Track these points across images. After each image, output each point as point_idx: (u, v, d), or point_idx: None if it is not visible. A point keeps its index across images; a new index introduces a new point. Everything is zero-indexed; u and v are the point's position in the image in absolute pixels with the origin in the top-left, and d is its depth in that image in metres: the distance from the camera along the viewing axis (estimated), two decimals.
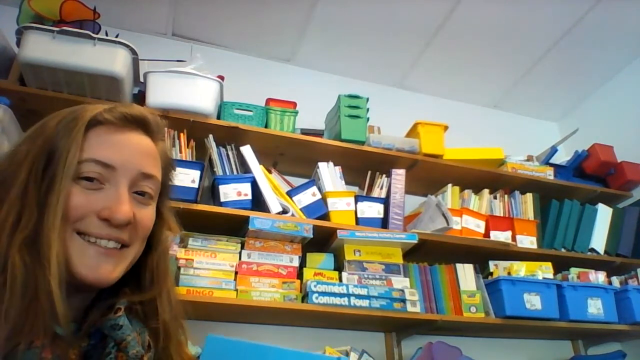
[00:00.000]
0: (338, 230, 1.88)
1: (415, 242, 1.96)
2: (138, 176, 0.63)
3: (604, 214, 2.43)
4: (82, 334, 0.59)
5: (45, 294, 0.53)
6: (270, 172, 2.00)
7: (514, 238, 2.19)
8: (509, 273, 2.05)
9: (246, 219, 1.76)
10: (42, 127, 0.62)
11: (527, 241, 2.23)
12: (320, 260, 1.91)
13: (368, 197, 2.10)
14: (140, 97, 1.97)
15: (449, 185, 2.28)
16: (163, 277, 0.68)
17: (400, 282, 1.90)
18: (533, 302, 1.98)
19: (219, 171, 1.87)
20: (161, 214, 0.70)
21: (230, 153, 1.95)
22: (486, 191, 2.33)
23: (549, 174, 2.44)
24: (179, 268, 1.68)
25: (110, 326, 0.59)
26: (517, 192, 2.39)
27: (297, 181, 2.10)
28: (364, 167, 2.19)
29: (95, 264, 0.58)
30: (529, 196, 2.39)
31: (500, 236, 2.17)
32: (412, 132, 2.32)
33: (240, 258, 1.78)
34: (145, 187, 0.64)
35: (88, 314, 0.61)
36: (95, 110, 0.63)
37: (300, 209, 1.94)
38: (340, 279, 1.86)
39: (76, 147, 0.59)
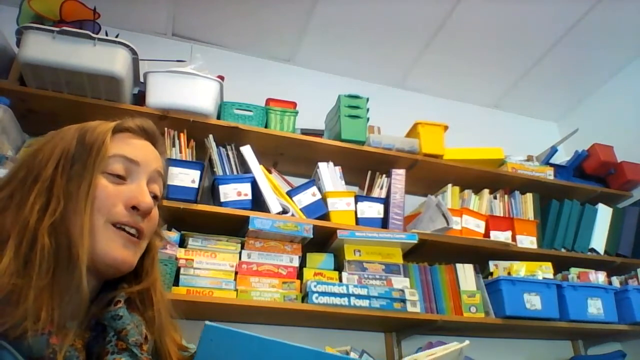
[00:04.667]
0: (338, 230, 1.88)
1: (415, 242, 1.96)
2: (154, 173, 0.72)
3: (604, 214, 2.43)
4: (84, 327, 0.63)
5: (73, 272, 0.59)
6: (270, 172, 2.00)
7: (514, 238, 2.19)
8: (509, 273, 2.05)
9: (246, 219, 1.76)
10: (64, 131, 0.70)
11: (527, 241, 2.23)
12: (320, 260, 1.91)
13: (368, 197, 2.10)
14: (140, 97, 1.97)
15: (449, 185, 2.28)
16: (156, 270, 0.75)
17: (400, 282, 1.90)
18: (533, 302, 1.98)
19: (219, 171, 1.88)
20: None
21: (230, 153, 1.95)
22: (486, 191, 2.34)
23: (549, 174, 2.44)
24: (179, 268, 1.68)
25: (111, 317, 0.63)
26: (517, 192, 2.39)
27: (297, 181, 2.10)
28: (364, 167, 2.19)
29: (123, 248, 0.65)
30: (529, 196, 2.39)
31: (500, 236, 2.17)
32: (412, 132, 2.32)
33: (240, 258, 1.78)
34: (155, 188, 0.73)
35: (89, 310, 0.65)
36: (118, 121, 0.73)
37: (300, 209, 1.94)
38: (340, 279, 1.86)
39: (106, 144, 0.67)
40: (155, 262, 0.76)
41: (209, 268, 1.72)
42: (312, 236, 1.83)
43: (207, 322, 0.51)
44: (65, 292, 0.58)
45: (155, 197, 0.72)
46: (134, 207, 0.67)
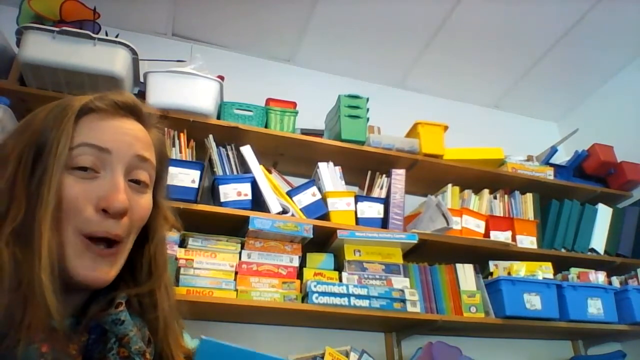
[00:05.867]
0: (338, 230, 1.88)
1: (415, 242, 1.96)
2: (133, 160, 0.61)
3: (604, 214, 2.43)
4: (81, 329, 0.58)
5: (35, 286, 0.51)
6: (270, 172, 2.00)
7: (514, 238, 2.19)
8: (509, 273, 2.05)
9: (246, 219, 1.76)
10: (29, 120, 0.61)
11: (527, 241, 2.22)
12: (320, 260, 1.91)
13: (368, 197, 2.10)
14: (140, 97, 1.97)
15: (449, 185, 2.28)
16: (162, 269, 0.66)
17: (400, 282, 1.90)
18: (533, 302, 1.98)
19: (219, 171, 1.87)
20: (157, 203, 0.67)
21: (230, 153, 1.95)
22: (486, 191, 2.33)
23: (549, 174, 2.44)
24: (179, 268, 1.68)
25: (112, 321, 0.58)
26: (517, 192, 2.39)
27: (297, 181, 2.10)
28: (364, 167, 2.19)
29: (92, 266, 0.57)
30: (529, 196, 2.38)
31: (500, 236, 2.17)
32: (412, 132, 2.32)
33: (240, 258, 1.78)
34: (140, 174, 0.62)
35: (87, 308, 0.60)
36: (85, 99, 0.61)
37: (300, 209, 1.94)
38: (340, 279, 1.86)
39: (67, 134, 0.57)
40: (160, 252, 0.67)
41: (209, 268, 1.72)
42: (312, 236, 1.83)
43: (203, 337, 0.50)
44: (40, 305, 0.51)
45: (140, 183, 0.62)
46: (104, 210, 0.57)
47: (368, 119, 2.24)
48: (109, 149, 0.59)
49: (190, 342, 0.71)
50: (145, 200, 0.63)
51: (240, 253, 1.78)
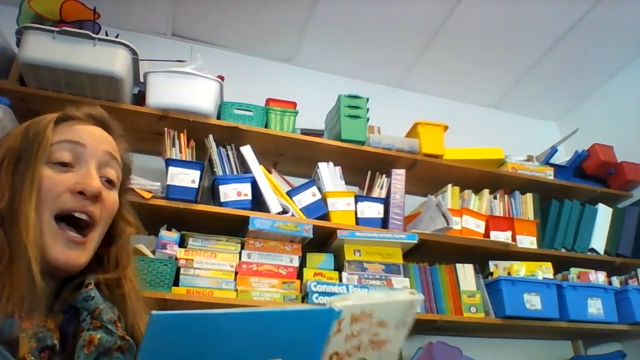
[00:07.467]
0: (338, 231, 1.88)
1: (415, 242, 1.96)
2: (104, 156, 0.70)
3: (604, 214, 2.43)
4: (56, 309, 0.64)
5: (22, 257, 0.58)
6: (270, 172, 2.00)
7: (514, 238, 2.19)
8: (509, 273, 2.05)
9: (246, 219, 1.76)
10: (12, 130, 0.70)
11: (527, 241, 2.22)
12: (320, 261, 1.91)
13: (368, 197, 2.10)
14: (140, 97, 1.97)
15: (449, 185, 2.28)
16: (127, 262, 0.73)
17: (400, 282, 1.90)
18: (533, 302, 1.98)
19: (219, 171, 1.87)
20: (120, 208, 0.74)
21: (230, 153, 1.95)
22: (486, 191, 2.33)
23: (549, 174, 2.44)
24: (179, 268, 1.68)
25: (83, 299, 0.64)
26: (517, 192, 2.39)
27: (297, 181, 2.10)
28: (364, 167, 2.19)
29: (65, 250, 0.64)
30: (529, 196, 2.38)
31: (500, 236, 2.17)
32: (412, 132, 2.32)
33: (240, 258, 1.77)
34: (109, 171, 0.70)
35: (60, 295, 0.66)
36: (63, 111, 0.71)
37: (300, 209, 1.94)
38: (340, 279, 1.86)
39: (48, 135, 0.66)
40: (126, 252, 0.74)
41: (209, 268, 1.72)
42: (312, 236, 1.83)
43: (153, 313, 0.46)
44: (24, 278, 0.58)
45: (109, 182, 0.70)
46: (80, 193, 0.65)
47: (368, 119, 2.24)
48: (83, 143, 0.68)
49: None
50: (113, 196, 0.71)
51: (240, 253, 1.78)
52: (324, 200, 2.01)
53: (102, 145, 0.70)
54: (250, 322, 0.45)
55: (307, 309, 0.47)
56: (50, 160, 0.65)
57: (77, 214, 0.65)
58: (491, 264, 2.12)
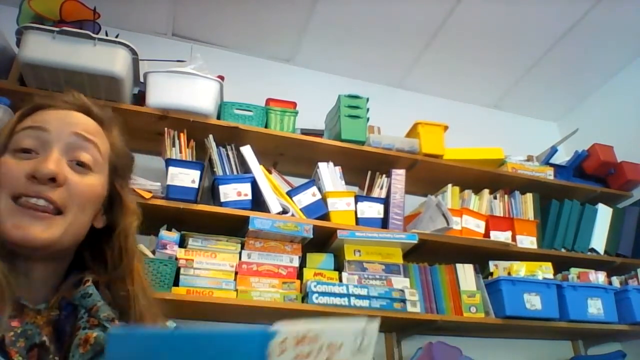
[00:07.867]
0: (338, 231, 1.88)
1: (415, 242, 1.96)
2: (72, 138, 0.66)
3: (604, 214, 2.43)
4: (50, 305, 0.62)
5: None
6: (270, 172, 2.00)
7: (514, 238, 2.19)
8: (509, 273, 2.05)
9: (246, 219, 1.76)
10: None
11: (527, 241, 2.22)
12: (320, 261, 1.91)
13: (368, 197, 2.10)
14: (140, 97, 1.97)
15: (449, 185, 2.28)
16: (130, 258, 0.69)
17: (400, 282, 1.90)
18: (533, 302, 1.98)
19: (219, 171, 1.87)
20: (118, 196, 0.71)
21: (230, 153, 1.95)
22: (486, 191, 2.33)
23: (549, 174, 2.44)
24: (179, 268, 1.68)
25: (81, 296, 0.63)
26: (517, 192, 2.39)
27: (297, 181, 2.10)
28: (364, 167, 2.19)
29: (23, 224, 0.60)
30: (529, 196, 2.38)
31: (500, 236, 2.17)
32: (412, 132, 2.32)
33: (240, 258, 1.77)
34: (82, 155, 0.66)
35: (57, 291, 0.65)
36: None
37: (300, 209, 1.94)
38: (340, 279, 1.86)
39: (12, 122, 0.65)
40: (125, 250, 0.70)
41: (209, 268, 1.72)
42: (312, 236, 1.83)
43: (112, 331, 0.48)
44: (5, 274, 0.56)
45: (82, 165, 0.66)
46: (34, 177, 0.62)
47: (368, 119, 2.24)
48: (46, 127, 0.65)
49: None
50: (87, 180, 0.66)
51: (240, 253, 1.78)
52: (324, 200, 2.00)
53: (70, 127, 0.66)
54: (192, 344, 0.45)
55: (242, 330, 0.47)
56: (14, 148, 0.64)
57: (32, 200, 0.61)
58: (491, 264, 2.12)
